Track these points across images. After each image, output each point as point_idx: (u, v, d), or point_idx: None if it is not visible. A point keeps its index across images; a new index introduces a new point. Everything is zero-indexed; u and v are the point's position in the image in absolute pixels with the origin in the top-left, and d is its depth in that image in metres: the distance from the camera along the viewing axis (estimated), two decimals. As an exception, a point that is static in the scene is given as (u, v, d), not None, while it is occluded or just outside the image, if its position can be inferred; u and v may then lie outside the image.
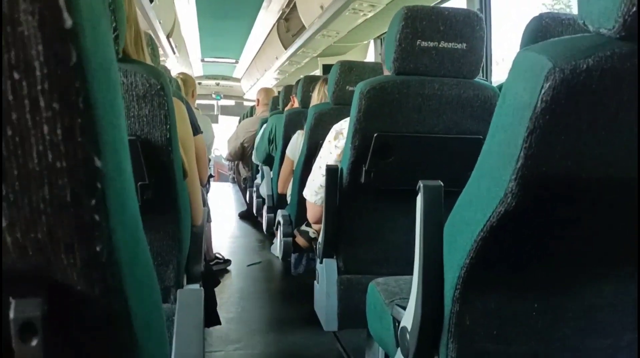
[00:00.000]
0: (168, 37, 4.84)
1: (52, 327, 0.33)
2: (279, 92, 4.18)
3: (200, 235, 1.33)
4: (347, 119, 1.62)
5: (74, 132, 0.30)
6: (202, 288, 1.21)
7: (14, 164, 0.30)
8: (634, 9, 0.59)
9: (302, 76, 2.93)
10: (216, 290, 1.73)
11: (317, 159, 1.75)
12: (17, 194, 0.31)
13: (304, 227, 2.23)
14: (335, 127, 1.68)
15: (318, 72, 5.54)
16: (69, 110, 0.30)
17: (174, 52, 5.53)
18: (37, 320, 0.32)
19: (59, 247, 0.32)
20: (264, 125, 3.35)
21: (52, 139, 0.30)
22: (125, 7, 1.00)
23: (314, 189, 1.72)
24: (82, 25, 0.30)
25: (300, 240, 2.27)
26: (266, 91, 4.49)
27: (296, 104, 3.24)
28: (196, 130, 2.19)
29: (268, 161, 3.32)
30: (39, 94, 0.29)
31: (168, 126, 0.94)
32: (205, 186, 2.75)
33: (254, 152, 3.55)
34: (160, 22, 4.09)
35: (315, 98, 2.53)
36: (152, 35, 3.91)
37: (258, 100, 4.34)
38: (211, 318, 1.61)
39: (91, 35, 0.31)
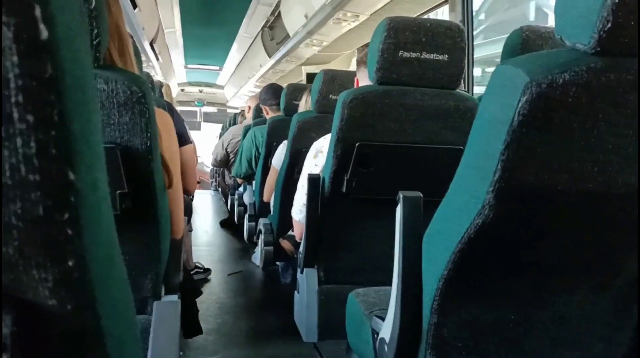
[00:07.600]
0: (151, 43, 4.82)
1: (23, 344, 0.33)
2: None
3: (179, 245, 1.32)
4: (327, 137, 1.63)
5: (48, 146, 0.30)
6: (180, 299, 1.20)
7: None
8: (609, 25, 0.60)
9: (285, 85, 2.93)
10: (196, 300, 1.71)
11: (300, 177, 1.74)
12: None
13: (290, 232, 2.22)
14: (315, 146, 1.69)
15: (302, 80, 5.56)
16: (43, 123, 0.30)
17: (157, 59, 5.50)
18: (7, 337, 0.32)
19: (30, 263, 0.31)
20: (246, 137, 3.32)
21: (25, 152, 0.30)
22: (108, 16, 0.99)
23: (299, 208, 1.70)
24: (59, 37, 0.29)
25: (286, 244, 2.25)
26: (257, 98, 4.47)
27: (270, 114, 3.24)
28: (185, 140, 2.17)
29: (248, 177, 3.28)
30: (13, 106, 0.29)
31: (149, 134, 0.92)
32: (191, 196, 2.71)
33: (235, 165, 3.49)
34: (143, 29, 4.06)
35: (302, 106, 2.54)
36: (135, 41, 3.88)
37: (249, 107, 4.31)
38: (192, 328, 1.59)
39: (68, 48, 0.31)
